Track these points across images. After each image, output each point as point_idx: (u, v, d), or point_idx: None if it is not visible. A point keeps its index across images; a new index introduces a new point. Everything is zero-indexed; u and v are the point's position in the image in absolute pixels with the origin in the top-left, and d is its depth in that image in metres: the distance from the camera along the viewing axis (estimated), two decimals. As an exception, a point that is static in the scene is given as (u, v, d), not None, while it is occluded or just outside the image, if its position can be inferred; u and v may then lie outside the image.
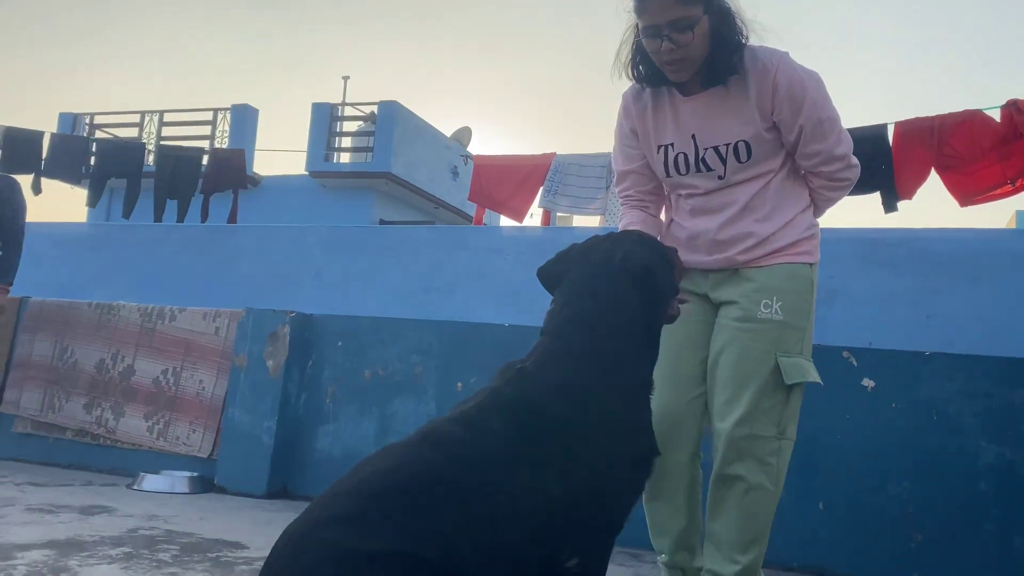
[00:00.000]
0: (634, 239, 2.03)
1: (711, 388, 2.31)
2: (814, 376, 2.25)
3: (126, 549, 2.83)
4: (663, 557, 2.40)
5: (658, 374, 2.33)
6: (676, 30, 2.16)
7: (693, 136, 2.31)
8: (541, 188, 7.70)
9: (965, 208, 6.05)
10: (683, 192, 2.40)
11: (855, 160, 2.33)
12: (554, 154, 7.70)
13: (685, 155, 2.33)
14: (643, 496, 2.41)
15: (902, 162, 6.10)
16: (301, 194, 15.13)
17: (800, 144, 2.27)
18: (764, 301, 2.24)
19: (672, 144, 2.35)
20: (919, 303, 6.06)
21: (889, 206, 6.22)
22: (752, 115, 2.24)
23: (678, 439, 2.34)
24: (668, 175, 2.39)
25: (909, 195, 6.14)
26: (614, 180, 2.61)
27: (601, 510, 1.49)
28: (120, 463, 4.88)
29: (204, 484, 4.46)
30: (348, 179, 14.97)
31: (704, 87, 2.30)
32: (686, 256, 2.37)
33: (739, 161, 2.27)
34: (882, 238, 6.35)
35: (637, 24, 2.27)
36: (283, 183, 15.46)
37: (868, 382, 3.57)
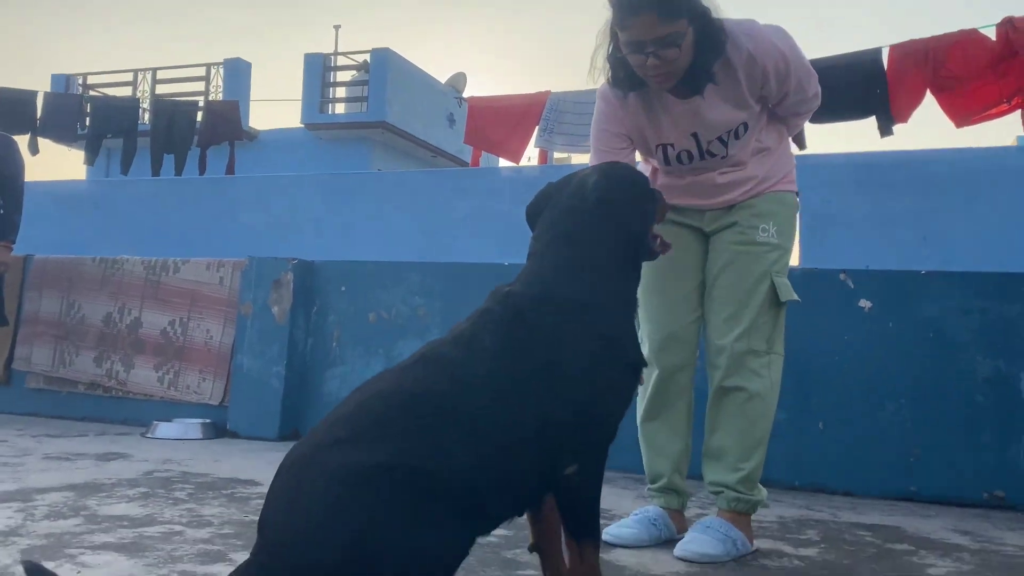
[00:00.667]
0: (612, 167, 2.01)
1: (709, 307, 2.43)
2: (795, 295, 2.38)
3: (143, 489, 2.91)
4: (661, 482, 2.47)
5: (656, 300, 2.44)
6: (661, 46, 2.08)
7: (695, 135, 2.33)
8: (537, 127, 7.64)
9: (961, 130, 6.01)
10: (685, 168, 2.42)
11: (819, 88, 2.40)
12: (549, 92, 7.64)
13: (688, 152, 2.36)
14: (640, 418, 2.49)
15: (897, 85, 6.05)
16: (298, 148, 15.06)
17: (783, 100, 2.34)
18: (762, 226, 2.37)
19: (672, 144, 2.36)
20: (916, 224, 6.08)
21: (885, 130, 6.17)
22: (745, 99, 2.27)
23: (678, 361, 2.46)
24: (669, 166, 2.42)
25: (904, 118, 6.09)
26: None
27: (593, 417, 1.54)
28: (133, 414, 4.97)
29: (216, 430, 4.55)
30: (344, 130, 14.88)
31: (686, 95, 2.26)
32: (684, 200, 2.44)
33: (737, 138, 2.33)
34: (878, 161, 6.34)
35: (614, 30, 2.18)
36: (280, 137, 15.39)
37: (865, 303, 3.62)
